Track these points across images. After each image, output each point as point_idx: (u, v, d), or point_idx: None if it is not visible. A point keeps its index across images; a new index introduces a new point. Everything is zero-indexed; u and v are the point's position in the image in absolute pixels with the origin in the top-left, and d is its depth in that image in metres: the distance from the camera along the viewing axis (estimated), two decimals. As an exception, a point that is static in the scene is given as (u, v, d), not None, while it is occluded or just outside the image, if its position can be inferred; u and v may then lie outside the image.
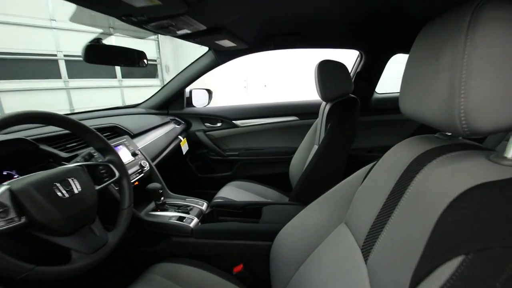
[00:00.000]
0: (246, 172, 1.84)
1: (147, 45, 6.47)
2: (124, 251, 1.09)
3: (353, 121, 1.13)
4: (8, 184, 0.53)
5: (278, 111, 1.82)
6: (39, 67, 4.76)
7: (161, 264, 0.91)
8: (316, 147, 1.32)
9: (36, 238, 0.56)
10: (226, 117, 1.81)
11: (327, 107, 1.22)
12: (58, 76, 5.07)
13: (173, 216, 1.04)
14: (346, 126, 1.12)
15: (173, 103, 1.81)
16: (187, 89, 1.84)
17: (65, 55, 5.05)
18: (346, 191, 0.69)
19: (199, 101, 1.91)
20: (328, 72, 1.17)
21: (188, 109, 1.86)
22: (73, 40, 5.03)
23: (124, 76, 6.18)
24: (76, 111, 1.26)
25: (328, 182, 1.15)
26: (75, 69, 5.23)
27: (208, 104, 1.98)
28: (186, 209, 1.11)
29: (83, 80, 5.41)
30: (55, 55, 4.96)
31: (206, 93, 1.96)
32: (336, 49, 1.51)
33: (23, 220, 0.52)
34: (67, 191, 0.61)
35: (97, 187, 0.71)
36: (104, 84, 5.84)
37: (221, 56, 1.52)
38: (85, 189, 0.65)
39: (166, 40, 6.64)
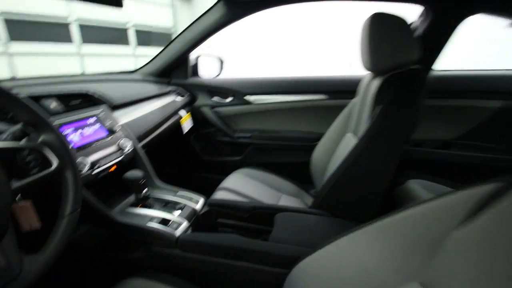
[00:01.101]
0: (258, 158, 1.55)
1: (161, 12, 6.09)
2: (94, 254, 0.86)
3: (416, 104, 0.78)
4: None
5: (302, 87, 1.47)
6: (51, 30, 4.56)
7: (134, 281, 0.67)
8: (349, 136, 0.99)
9: None
10: (239, 91, 1.49)
11: (376, 82, 0.86)
12: (70, 40, 4.85)
13: (154, 218, 0.78)
14: (405, 111, 0.77)
15: (176, 70, 1.50)
16: (194, 55, 1.52)
17: (79, 19, 4.81)
18: (423, 231, 0.38)
19: (208, 70, 1.59)
20: (382, 31, 0.81)
21: (193, 79, 1.55)
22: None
23: (140, 44, 5.90)
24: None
25: (370, 189, 0.83)
26: (89, 34, 5.01)
27: (218, 74, 1.65)
28: (175, 207, 0.85)
29: (97, 45, 5.19)
30: (67, 19, 4.73)
31: (217, 61, 1.63)
32: (392, 3, 1.11)
33: None
34: None
35: (16, 184, 0.44)
36: (120, 52, 5.62)
37: (235, 9, 1.17)
38: None
39: (183, 7, 6.21)
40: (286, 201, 1.13)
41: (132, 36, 5.65)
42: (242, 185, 1.16)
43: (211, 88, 1.54)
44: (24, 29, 4.22)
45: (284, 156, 1.52)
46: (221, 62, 1.63)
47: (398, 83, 0.80)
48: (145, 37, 5.91)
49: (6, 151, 0.45)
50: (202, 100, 1.55)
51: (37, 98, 0.73)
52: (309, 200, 1.19)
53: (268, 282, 0.66)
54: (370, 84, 0.92)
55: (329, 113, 1.36)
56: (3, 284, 0.38)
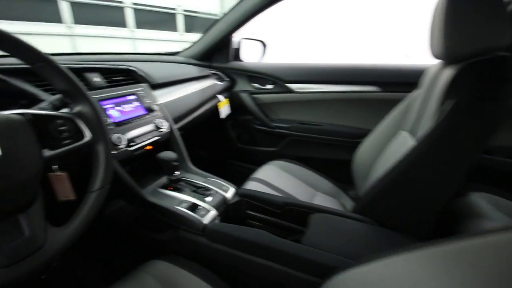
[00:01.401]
0: (295, 151, 1.46)
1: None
2: (127, 230, 0.88)
3: (501, 99, 0.62)
4: None
5: (351, 76, 1.32)
6: (108, 13, 4.84)
7: (159, 263, 0.66)
8: (405, 135, 0.85)
9: None
10: (280, 77, 1.40)
11: (448, 72, 0.71)
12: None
13: (183, 202, 0.76)
14: (486, 108, 0.62)
15: (218, 53, 1.47)
16: (236, 39, 1.47)
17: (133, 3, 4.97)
18: None
19: (250, 54, 1.53)
20: (464, 7, 0.65)
21: (234, 63, 1.50)
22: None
23: (187, 30, 6.04)
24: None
25: (430, 200, 0.68)
26: (141, 19, 5.18)
27: (261, 59, 1.58)
28: (204, 193, 0.82)
29: (148, 30, 5.42)
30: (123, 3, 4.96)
31: (260, 45, 1.56)
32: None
33: None
34: None
35: (48, 153, 0.43)
36: (168, 37, 5.77)
37: None
38: (9, 156, 0.37)
39: (231, -7, 6.18)
40: (321, 200, 1.04)
41: (180, 21, 5.80)
42: (275, 178, 1.09)
43: (252, 73, 1.47)
44: (86, 13, 4.57)
45: (323, 151, 1.41)
46: (264, 46, 1.55)
47: (479, 73, 0.64)
48: (191, 23, 5.99)
49: (41, 118, 0.44)
50: (241, 86, 1.50)
51: (80, 71, 0.74)
52: (347, 202, 1.08)
53: (298, 287, 0.59)
54: (439, 75, 0.77)
55: (380, 107, 1.21)
56: (25, 255, 0.37)
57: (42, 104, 0.52)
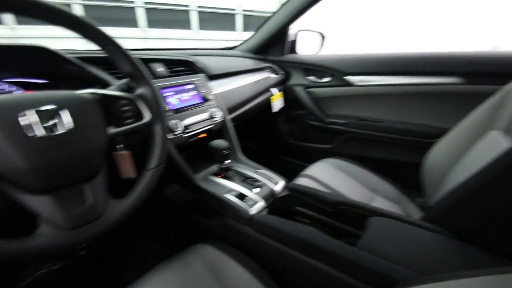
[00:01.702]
0: (351, 150, 1.34)
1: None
2: (181, 213, 0.92)
3: None
4: None
5: (425, 66, 1.14)
6: (175, 17, 5.30)
7: (205, 247, 0.68)
8: (496, 135, 0.69)
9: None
10: (339, 69, 1.30)
11: None
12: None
13: (232, 190, 0.75)
14: None
15: (273, 46, 1.44)
16: (293, 31, 1.42)
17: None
18: None
19: (306, 46, 1.46)
20: None
21: (290, 56, 1.46)
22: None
23: (245, 29, 6.20)
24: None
25: None
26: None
27: (318, 52, 1.50)
28: (253, 184, 0.80)
29: (210, 31, 5.75)
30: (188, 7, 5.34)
31: (318, 36, 1.47)
32: None
33: None
34: (45, 127, 0.38)
35: (112, 130, 0.47)
36: (227, 37, 6.01)
37: None
38: (80, 130, 0.41)
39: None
40: (380, 204, 0.92)
41: (239, 21, 6.00)
42: (328, 176, 1.01)
43: (308, 66, 1.40)
44: (157, 16, 5.09)
45: (385, 151, 1.26)
46: (322, 37, 1.46)
47: None
48: (248, 22, 6.11)
49: (108, 98, 0.48)
50: (296, 79, 1.45)
51: (146, 61, 0.79)
52: (413, 210, 0.94)
53: None
54: None
55: (461, 102, 1.02)
56: (88, 221, 0.41)
57: (111, 87, 0.57)
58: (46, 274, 0.86)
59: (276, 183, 0.82)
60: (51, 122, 0.39)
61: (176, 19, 5.41)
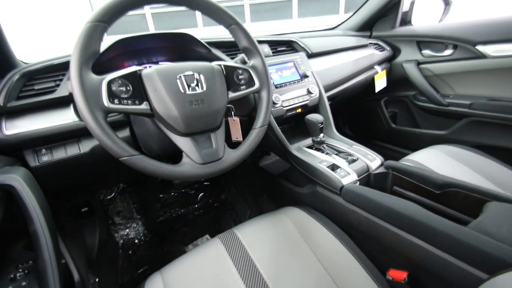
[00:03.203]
0: (475, 137, 1.11)
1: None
2: (275, 180, 1.03)
3: None
4: (140, 68, 0.51)
5: None
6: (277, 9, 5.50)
7: (296, 210, 0.75)
8: None
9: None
10: (467, 38, 1.07)
11: None
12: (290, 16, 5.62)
13: (325, 161, 0.78)
14: None
15: (380, 21, 1.32)
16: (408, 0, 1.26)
17: None
18: None
19: (425, 16, 1.27)
20: None
21: (400, 29, 1.30)
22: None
23: (346, 11, 5.78)
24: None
25: None
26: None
27: (441, 20, 1.27)
28: (347, 158, 0.80)
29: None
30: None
31: (441, 2, 1.25)
32: None
33: (144, 105, 0.50)
34: (189, 86, 0.53)
35: (231, 94, 0.59)
36: (330, 23, 5.83)
37: None
38: (211, 90, 0.55)
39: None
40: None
41: (342, 4, 5.66)
42: (437, 163, 0.88)
43: (423, 38, 1.22)
44: (262, 12, 5.46)
45: None
46: (446, 3, 1.23)
47: None
48: (349, 5, 5.70)
49: (229, 68, 0.60)
50: (406, 55, 1.29)
51: None
52: None
53: (451, 277, 0.48)
54: None
55: None
56: (213, 160, 0.54)
57: (235, 60, 0.71)
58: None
59: (372, 160, 0.80)
60: (193, 84, 0.53)
61: (276, 7, 5.64)
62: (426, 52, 1.22)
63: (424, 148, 0.98)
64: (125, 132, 0.66)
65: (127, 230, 1.13)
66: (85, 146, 0.65)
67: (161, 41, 0.74)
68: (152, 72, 0.51)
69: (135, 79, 0.50)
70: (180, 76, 0.52)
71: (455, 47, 1.12)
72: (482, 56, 1.04)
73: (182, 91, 0.52)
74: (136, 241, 1.12)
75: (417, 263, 0.54)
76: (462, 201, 0.61)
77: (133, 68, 0.50)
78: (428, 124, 1.29)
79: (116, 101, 0.47)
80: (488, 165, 0.88)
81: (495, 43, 1.00)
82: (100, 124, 0.45)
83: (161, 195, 1.27)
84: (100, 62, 0.60)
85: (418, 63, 1.24)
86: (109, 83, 0.47)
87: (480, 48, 1.04)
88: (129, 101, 0.49)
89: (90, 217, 1.01)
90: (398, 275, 0.57)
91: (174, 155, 0.64)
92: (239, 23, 0.60)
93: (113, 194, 1.18)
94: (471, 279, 0.43)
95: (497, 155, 0.91)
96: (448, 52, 1.15)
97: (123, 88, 0.48)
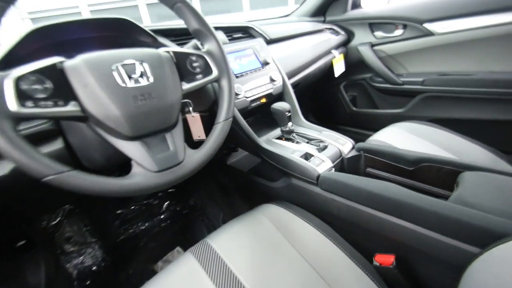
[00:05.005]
0: (429, 112, 1.17)
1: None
2: (246, 177, 0.96)
3: None
4: (62, 59, 0.39)
5: None
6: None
7: (272, 206, 0.69)
8: None
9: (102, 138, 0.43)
10: (415, 17, 1.11)
11: None
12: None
13: (297, 151, 0.74)
14: None
15: (333, 6, 1.32)
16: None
17: None
18: None
19: (373, -1, 1.30)
20: None
21: (352, 13, 1.32)
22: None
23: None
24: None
25: None
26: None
27: (389, 1, 1.31)
28: (318, 145, 0.77)
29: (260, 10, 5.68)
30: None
31: (387, -15, 1.29)
32: None
33: (72, 107, 0.39)
34: (130, 78, 0.42)
35: (186, 85, 0.50)
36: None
37: None
38: (160, 82, 0.45)
39: None
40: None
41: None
42: (400, 140, 0.89)
43: (375, 20, 1.24)
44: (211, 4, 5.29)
45: (477, 110, 1.06)
46: (393, -15, 1.27)
47: None
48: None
49: (180, 54, 0.51)
50: (360, 38, 1.31)
51: None
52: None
53: (440, 255, 0.47)
54: None
55: None
56: (171, 165, 0.45)
57: (185, 47, 0.61)
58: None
59: (343, 144, 0.78)
60: (135, 75, 0.43)
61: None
62: (378, 33, 1.25)
63: (385, 128, 1.00)
64: (57, 144, 0.53)
65: (81, 258, 0.97)
66: (3, 168, 0.50)
67: (94, 30, 0.61)
68: (79, 62, 0.40)
69: (55, 73, 0.38)
70: (117, 66, 0.42)
71: (404, 26, 1.16)
72: (430, 33, 1.09)
73: (122, 85, 0.41)
74: (94, 268, 0.97)
75: (403, 245, 0.52)
76: (436, 174, 0.61)
77: (52, 60, 0.39)
78: (386, 104, 1.33)
79: (29, 103, 0.35)
80: (445, 137, 0.91)
81: (441, 20, 1.05)
82: (8, 136, 0.33)
83: (119, 211, 1.12)
84: (16, 58, 0.46)
85: (372, 45, 1.27)
86: (17, 81, 0.35)
87: (428, 26, 1.08)
88: (49, 103, 0.37)
89: (30, 251, 0.84)
90: (385, 259, 0.55)
91: (124, 165, 0.53)
92: (185, 0, 0.51)
93: (58, 218, 1.00)
94: (462, 255, 0.42)
95: (450, 126, 0.96)
96: (398, 32, 1.18)
97: (39, 86, 0.37)
